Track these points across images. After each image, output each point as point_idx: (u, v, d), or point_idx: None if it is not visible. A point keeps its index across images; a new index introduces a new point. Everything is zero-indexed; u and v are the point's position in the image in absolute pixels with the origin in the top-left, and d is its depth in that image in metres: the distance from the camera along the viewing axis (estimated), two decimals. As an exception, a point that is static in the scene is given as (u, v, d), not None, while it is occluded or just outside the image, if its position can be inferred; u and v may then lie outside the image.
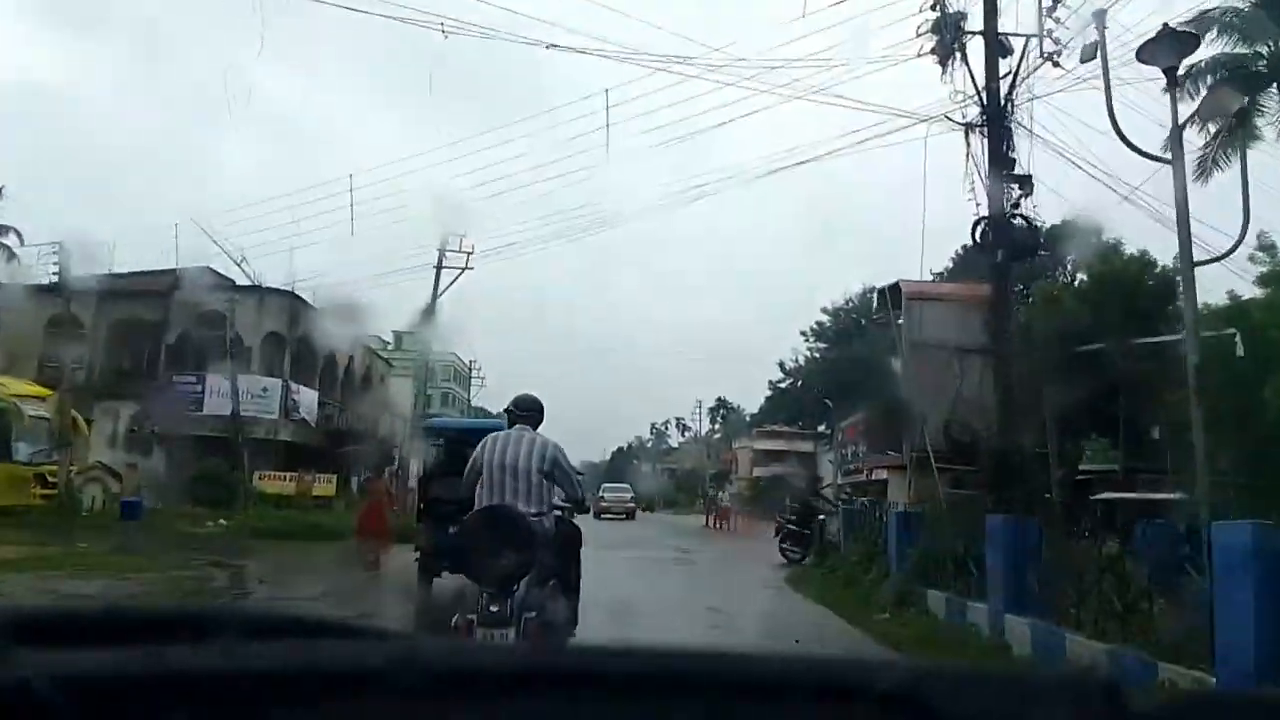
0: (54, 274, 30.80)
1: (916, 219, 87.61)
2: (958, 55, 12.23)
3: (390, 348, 48.27)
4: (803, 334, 64.82)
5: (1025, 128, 12.01)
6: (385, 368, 44.90)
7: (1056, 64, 11.92)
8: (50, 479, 21.08)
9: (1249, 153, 12.73)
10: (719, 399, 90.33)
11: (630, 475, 78.12)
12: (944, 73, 12.24)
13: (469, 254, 33.22)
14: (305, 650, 0.81)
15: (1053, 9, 12.03)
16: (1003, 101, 11.85)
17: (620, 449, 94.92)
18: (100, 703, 0.69)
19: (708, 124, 41.55)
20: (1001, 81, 12.05)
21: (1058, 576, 8.16)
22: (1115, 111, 9.03)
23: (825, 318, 63.35)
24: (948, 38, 12.26)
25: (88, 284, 29.32)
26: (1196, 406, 7.99)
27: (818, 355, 63.62)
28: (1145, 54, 8.94)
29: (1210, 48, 15.79)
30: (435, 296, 33.01)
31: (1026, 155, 11.95)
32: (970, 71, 12.19)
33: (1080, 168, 13.01)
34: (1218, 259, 9.64)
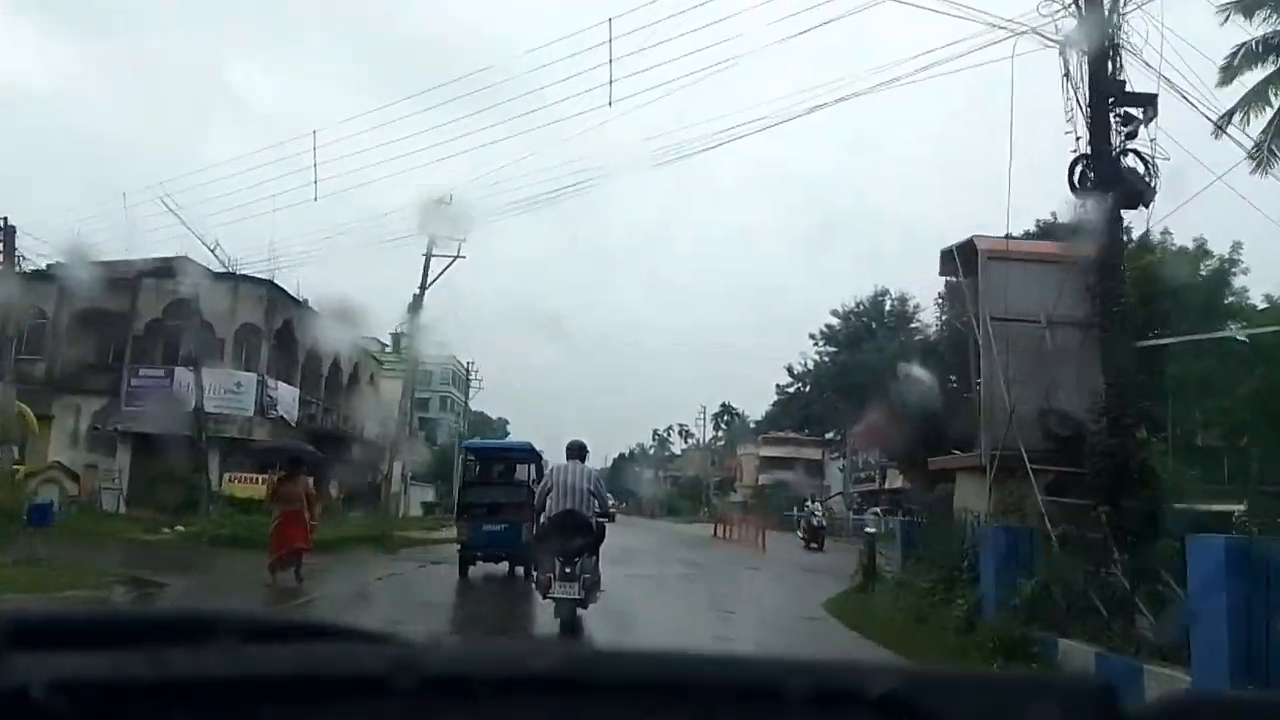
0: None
1: (918, 222, 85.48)
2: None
3: (388, 350, 46.58)
4: (811, 337, 62.37)
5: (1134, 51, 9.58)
6: (376, 366, 42.60)
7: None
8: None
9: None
10: (723, 404, 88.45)
11: (632, 483, 76.40)
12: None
13: (461, 241, 31.27)
14: (305, 654, 0.82)
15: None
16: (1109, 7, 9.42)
17: (622, 455, 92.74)
18: (99, 706, 0.70)
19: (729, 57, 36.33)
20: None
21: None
22: None
23: (835, 320, 60.88)
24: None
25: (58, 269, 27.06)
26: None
27: (827, 359, 61.06)
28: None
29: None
30: (424, 286, 30.78)
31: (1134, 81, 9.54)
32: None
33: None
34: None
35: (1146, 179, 9.50)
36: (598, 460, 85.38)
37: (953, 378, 43.07)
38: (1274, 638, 5.82)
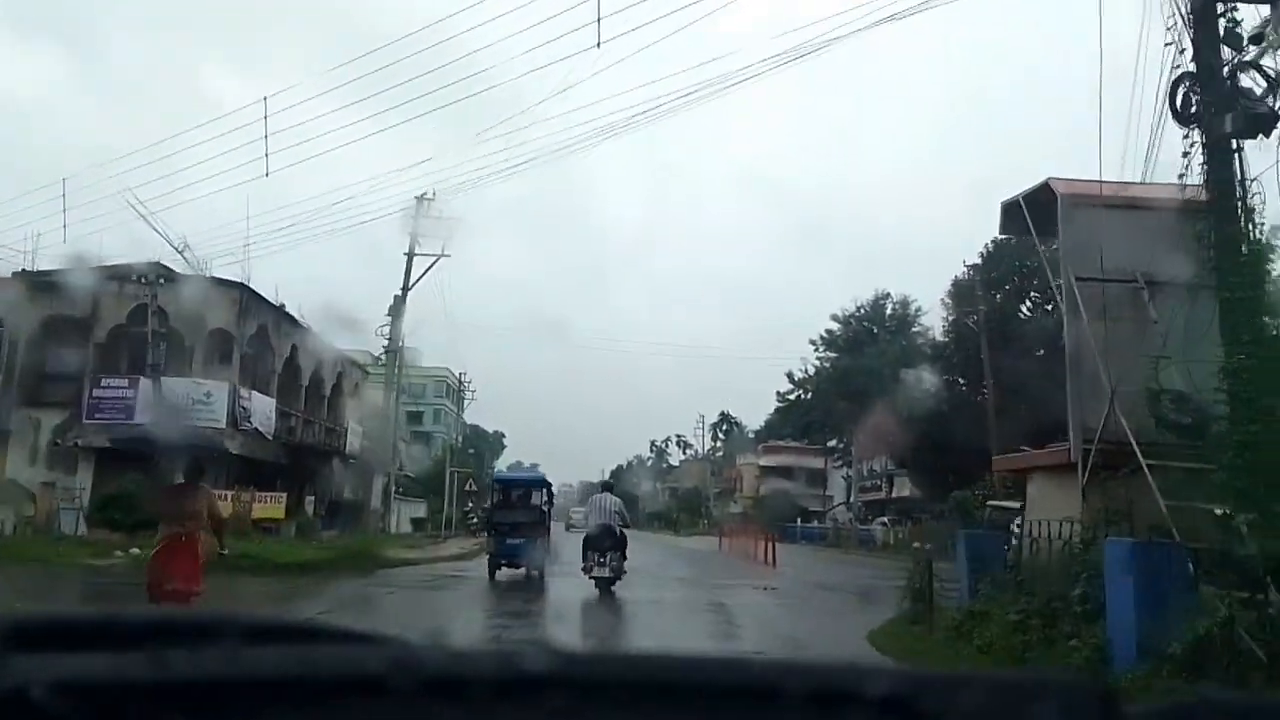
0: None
1: (923, 225, 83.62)
2: None
3: (381, 362, 44.74)
4: (812, 343, 60.55)
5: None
6: (361, 375, 40.55)
7: None
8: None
9: None
10: (722, 413, 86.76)
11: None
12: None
13: (444, 241, 29.54)
14: (305, 655, 0.81)
15: None
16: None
17: (620, 467, 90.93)
18: (99, 708, 0.69)
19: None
20: None
21: None
22: None
23: (835, 325, 59.10)
24: None
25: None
26: None
27: (828, 365, 59.24)
28: None
29: None
30: (406, 287, 28.96)
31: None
32: None
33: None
34: None
35: (1270, 101, 7.68)
36: (594, 474, 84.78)
37: (961, 379, 41.34)
38: None
